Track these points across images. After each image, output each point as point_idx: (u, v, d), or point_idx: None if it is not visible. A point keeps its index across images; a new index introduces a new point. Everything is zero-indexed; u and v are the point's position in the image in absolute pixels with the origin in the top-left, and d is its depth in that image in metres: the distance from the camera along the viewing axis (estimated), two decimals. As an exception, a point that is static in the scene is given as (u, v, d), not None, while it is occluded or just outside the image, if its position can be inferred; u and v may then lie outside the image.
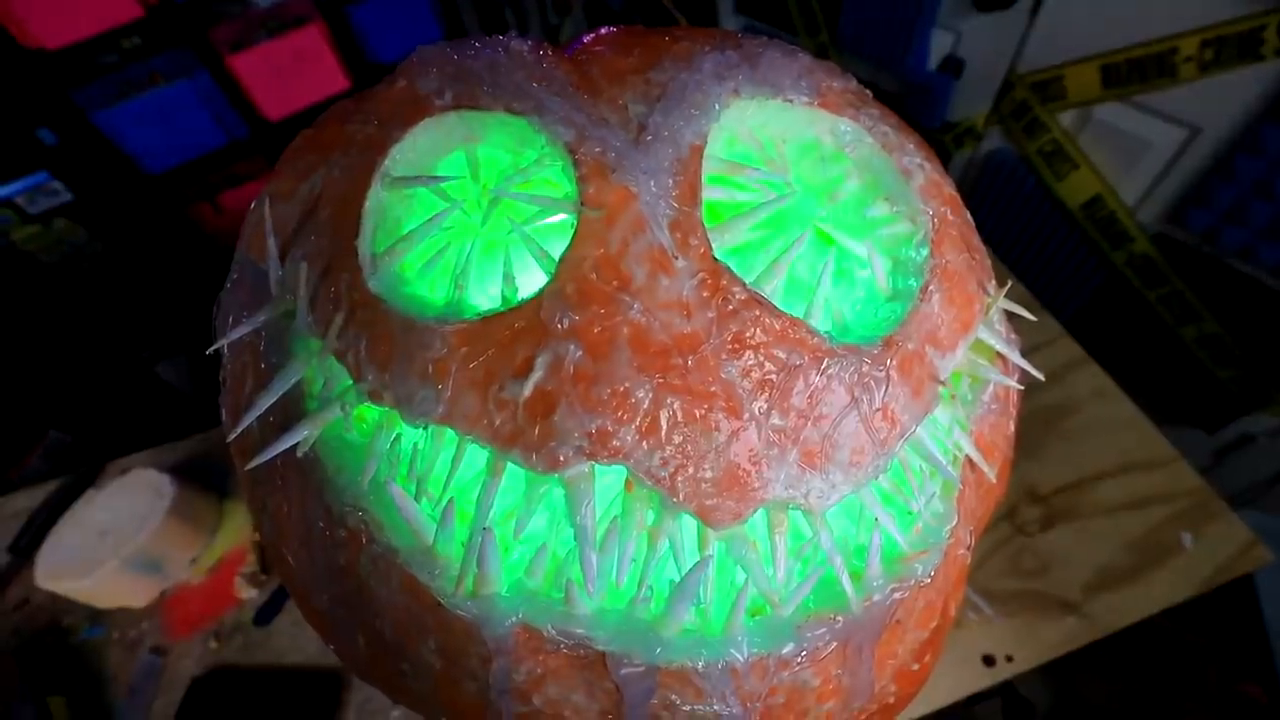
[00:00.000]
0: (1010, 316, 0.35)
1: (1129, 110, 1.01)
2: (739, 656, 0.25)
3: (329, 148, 0.30)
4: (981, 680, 0.62)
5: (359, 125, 0.29)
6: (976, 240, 0.34)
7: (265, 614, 0.70)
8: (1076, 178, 1.11)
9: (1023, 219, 1.22)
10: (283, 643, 0.69)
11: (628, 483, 0.24)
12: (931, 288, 0.28)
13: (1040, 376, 0.34)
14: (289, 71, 1.47)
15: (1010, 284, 0.33)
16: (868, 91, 0.34)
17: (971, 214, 0.35)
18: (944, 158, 1.27)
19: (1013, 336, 0.34)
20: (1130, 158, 1.04)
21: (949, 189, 0.33)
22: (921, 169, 0.31)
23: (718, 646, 0.25)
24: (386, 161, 0.28)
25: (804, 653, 0.26)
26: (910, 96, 1.22)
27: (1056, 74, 1.05)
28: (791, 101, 0.30)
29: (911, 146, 0.32)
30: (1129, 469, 0.73)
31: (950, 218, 0.31)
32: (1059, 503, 0.71)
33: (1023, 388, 0.35)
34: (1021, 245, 1.25)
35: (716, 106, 0.28)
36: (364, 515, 0.26)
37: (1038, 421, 0.76)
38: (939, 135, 1.26)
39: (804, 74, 0.31)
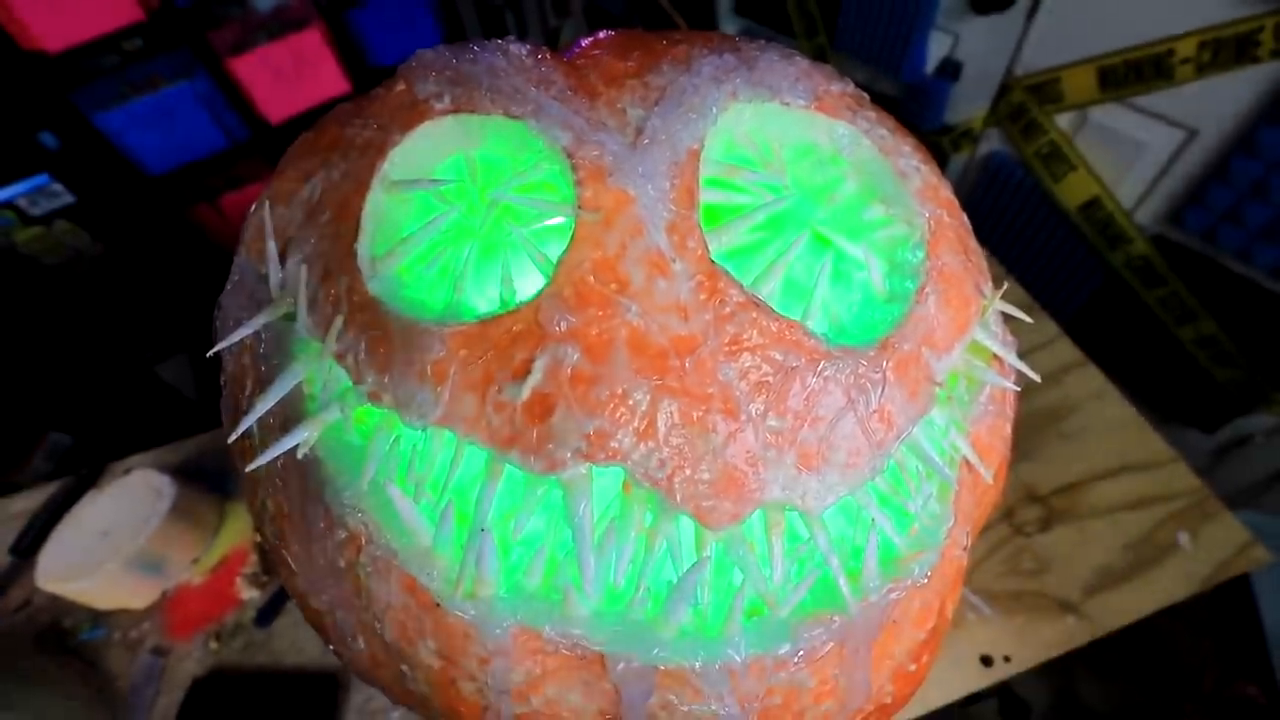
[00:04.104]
0: (1008, 318, 0.35)
1: (1126, 112, 1.02)
2: (736, 657, 0.25)
3: (328, 151, 0.30)
4: (979, 680, 0.62)
5: (358, 129, 0.30)
6: (973, 242, 0.34)
7: (266, 615, 0.70)
8: (1074, 179, 1.11)
9: (1020, 221, 1.22)
10: (284, 644, 0.69)
11: (625, 484, 0.24)
12: (928, 290, 0.29)
13: (1037, 378, 0.34)
14: (289, 74, 1.48)
15: (1007, 286, 0.33)
16: (865, 94, 0.34)
17: (969, 216, 0.35)
18: (941, 160, 1.28)
19: (1010, 338, 0.35)
20: (1128, 159, 1.04)
21: (946, 191, 0.33)
22: (918, 171, 0.32)
23: (715, 647, 0.25)
24: (385, 165, 0.28)
25: (801, 653, 0.26)
26: (908, 99, 1.23)
27: (1054, 76, 1.06)
28: (789, 105, 0.30)
29: (908, 149, 0.32)
30: (1127, 469, 0.73)
31: (947, 220, 0.31)
32: (1057, 503, 0.72)
33: (1019, 389, 0.35)
34: (1019, 247, 1.25)
35: (714, 110, 0.28)
36: (363, 516, 0.26)
37: (1036, 422, 0.76)
38: (937, 138, 1.26)
39: (801, 77, 0.31)
